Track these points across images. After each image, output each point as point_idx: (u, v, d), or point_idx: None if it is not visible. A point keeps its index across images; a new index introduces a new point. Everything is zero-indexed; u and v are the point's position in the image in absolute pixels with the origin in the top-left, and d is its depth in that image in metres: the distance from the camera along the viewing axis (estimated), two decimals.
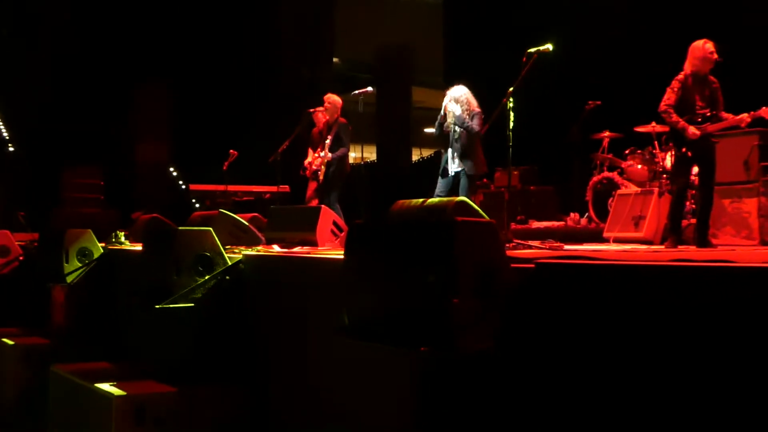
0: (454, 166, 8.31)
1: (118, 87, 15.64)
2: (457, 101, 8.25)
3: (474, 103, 8.28)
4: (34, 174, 14.93)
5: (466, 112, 8.22)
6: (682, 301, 2.58)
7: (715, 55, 6.98)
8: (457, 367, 3.18)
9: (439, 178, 8.44)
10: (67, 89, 15.19)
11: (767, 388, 2.33)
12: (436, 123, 8.39)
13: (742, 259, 3.14)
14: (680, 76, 7.10)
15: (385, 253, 3.17)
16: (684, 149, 7.05)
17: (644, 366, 2.64)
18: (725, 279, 2.53)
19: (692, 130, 6.93)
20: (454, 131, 8.27)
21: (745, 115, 6.95)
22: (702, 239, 6.94)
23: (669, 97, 7.10)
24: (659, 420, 2.58)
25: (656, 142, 9.16)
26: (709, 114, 6.99)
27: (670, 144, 8.81)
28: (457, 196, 7.91)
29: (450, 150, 8.35)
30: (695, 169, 7.36)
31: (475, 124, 8.14)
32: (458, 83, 8.43)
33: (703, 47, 7.03)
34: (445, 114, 8.30)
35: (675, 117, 7.04)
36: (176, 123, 16.35)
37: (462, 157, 8.25)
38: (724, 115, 7.02)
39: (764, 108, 6.99)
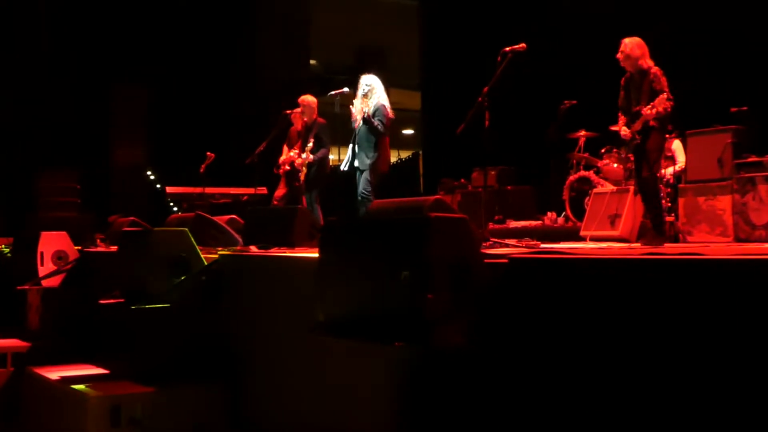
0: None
1: (94, 89, 15.58)
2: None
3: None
4: (9, 177, 14.82)
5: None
6: (653, 293, 2.61)
7: (618, 53, 6.82)
8: (432, 363, 3.19)
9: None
10: (42, 92, 15.10)
11: (740, 378, 2.36)
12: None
13: (714, 254, 3.17)
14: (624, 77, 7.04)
15: (360, 249, 3.18)
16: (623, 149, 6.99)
17: (617, 358, 2.66)
18: (695, 271, 2.56)
19: (622, 132, 6.90)
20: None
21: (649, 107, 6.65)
22: (656, 230, 6.79)
23: (619, 100, 7.05)
24: (633, 411, 2.61)
25: None
26: (636, 111, 6.82)
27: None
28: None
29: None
30: (671, 169, 7.27)
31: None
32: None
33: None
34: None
35: (619, 120, 7.00)
36: (153, 126, 16.32)
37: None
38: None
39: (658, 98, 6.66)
